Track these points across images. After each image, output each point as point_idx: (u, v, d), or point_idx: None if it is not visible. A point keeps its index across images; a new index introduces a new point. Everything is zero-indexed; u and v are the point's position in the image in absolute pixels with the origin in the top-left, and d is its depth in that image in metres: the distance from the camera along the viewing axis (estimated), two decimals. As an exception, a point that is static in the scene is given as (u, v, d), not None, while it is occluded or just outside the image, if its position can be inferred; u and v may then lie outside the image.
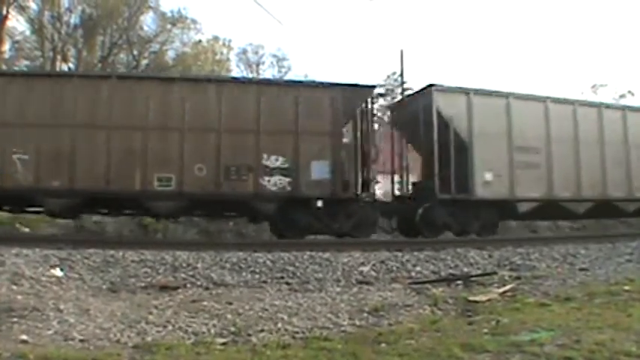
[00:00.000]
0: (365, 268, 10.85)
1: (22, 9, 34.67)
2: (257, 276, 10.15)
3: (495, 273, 10.48)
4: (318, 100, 16.44)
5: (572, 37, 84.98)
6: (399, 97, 20.10)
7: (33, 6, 35.19)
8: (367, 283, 9.78)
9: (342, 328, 6.56)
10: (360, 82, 17.26)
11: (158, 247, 12.29)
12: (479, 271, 10.77)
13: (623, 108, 20.79)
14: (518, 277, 9.95)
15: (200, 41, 42.26)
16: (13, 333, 5.92)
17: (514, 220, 20.49)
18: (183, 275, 9.95)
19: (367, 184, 17.22)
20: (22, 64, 34.24)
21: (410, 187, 19.07)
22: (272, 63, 47.25)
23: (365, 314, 7.30)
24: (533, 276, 10.03)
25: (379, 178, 19.83)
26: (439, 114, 17.43)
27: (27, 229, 17.87)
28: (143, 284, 9.31)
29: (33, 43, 35.75)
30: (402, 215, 18.26)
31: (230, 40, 48.94)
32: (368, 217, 16.94)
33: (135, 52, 37.85)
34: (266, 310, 7.46)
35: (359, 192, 16.82)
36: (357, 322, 6.88)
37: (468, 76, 69.79)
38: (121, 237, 16.51)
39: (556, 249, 13.10)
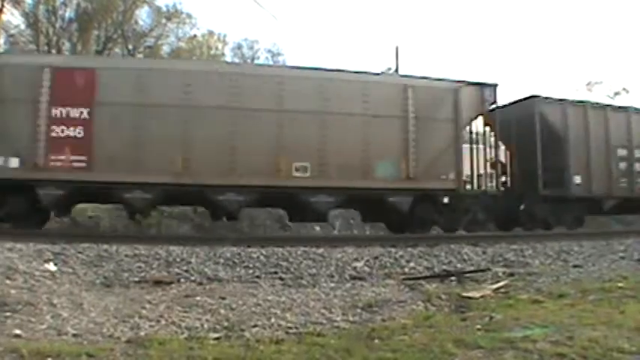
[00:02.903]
0: (358, 264, 10.86)
1: (17, 3, 34.57)
2: (250, 271, 10.14)
3: (489, 269, 10.49)
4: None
5: (568, 34, 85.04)
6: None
7: (28, 0, 35.12)
8: (361, 279, 9.77)
9: (336, 324, 6.55)
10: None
11: (152, 242, 12.29)
12: (472, 268, 10.77)
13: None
14: (511, 274, 9.96)
15: (195, 36, 42.27)
16: (7, 327, 5.91)
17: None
18: (177, 270, 9.93)
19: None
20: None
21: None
22: (267, 58, 47.06)
23: (358, 310, 7.30)
24: (526, 272, 10.05)
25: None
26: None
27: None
28: (137, 279, 9.28)
29: (28, 36, 35.65)
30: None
31: (225, 35, 49.10)
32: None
33: (130, 47, 37.76)
34: (259, 305, 7.46)
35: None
36: (351, 318, 6.88)
37: (464, 72, 69.81)
38: (115, 231, 16.52)
39: (550, 246, 13.11)
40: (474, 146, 19.43)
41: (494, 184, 19.40)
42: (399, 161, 17.02)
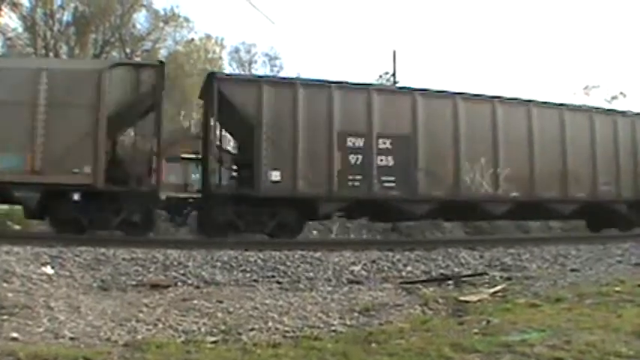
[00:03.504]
0: (356, 268, 10.86)
1: (15, 6, 34.67)
2: (248, 275, 10.14)
3: (486, 273, 10.50)
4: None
5: (566, 39, 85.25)
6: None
7: (26, 3, 35.20)
8: (358, 283, 9.78)
9: (333, 328, 6.56)
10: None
11: (149, 246, 12.28)
12: (470, 272, 10.79)
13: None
14: (508, 278, 9.97)
15: (193, 40, 42.36)
16: (4, 330, 5.91)
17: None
18: (174, 274, 9.93)
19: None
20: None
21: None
22: (264, 62, 47.18)
23: (355, 314, 7.30)
24: (523, 276, 10.06)
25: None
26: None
27: (18, 227, 17.82)
28: (134, 282, 9.29)
29: (25, 40, 35.72)
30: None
31: (222, 39, 49.41)
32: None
33: (127, 50, 37.82)
34: (257, 308, 7.46)
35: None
36: (348, 322, 6.89)
37: (462, 77, 69.87)
38: (112, 235, 16.49)
39: (547, 250, 13.15)
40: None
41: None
42: (26, 153, 14.82)
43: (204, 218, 16.49)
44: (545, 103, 19.24)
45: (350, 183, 16.32)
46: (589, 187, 18.88)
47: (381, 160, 16.63)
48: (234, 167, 17.06)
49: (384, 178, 16.60)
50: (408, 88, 18.08)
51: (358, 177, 16.41)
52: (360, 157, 16.48)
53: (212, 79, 16.48)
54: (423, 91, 17.70)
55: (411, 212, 17.20)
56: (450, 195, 17.27)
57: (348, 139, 16.45)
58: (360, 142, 16.53)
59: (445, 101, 17.72)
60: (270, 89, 16.21)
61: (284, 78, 17.66)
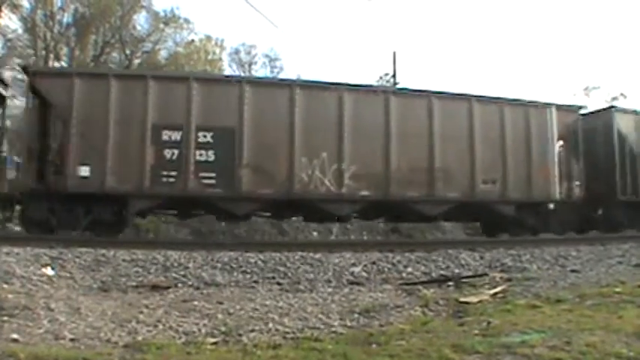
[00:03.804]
0: (356, 269, 10.86)
1: (15, 7, 34.61)
2: (248, 276, 10.14)
3: (486, 274, 10.49)
4: None
5: (566, 40, 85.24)
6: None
7: (26, 4, 35.17)
8: (358, 284, 9.77)
9: (333, 329, 6.56)
10: None
11: (149, 247, 12.29)
12: (470, 273, 10.78)
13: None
14: (509, 279, 9.94)
15: (193, 41, 42.27)
16: (4, 332, 5.90)
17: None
18: (174, 275, 9.93)
19: None
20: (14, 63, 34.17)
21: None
22: (264, 63, 47.08)
23: (356, 315, 7.29)
24: (524, 277, 10.03)
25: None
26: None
27: (18, 228, 17.81)
28: (134, 284, 9.28)
29: (25, 41, 35.65)
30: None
31: (223, 40, 49.02)
32: None
33: (127, 52, 37.80)
34: (257, 310, 7.45)
35: None
36: (348, 323, 6.88)
37: (463, 78, 69.76)
38: (113, 236, 16.51)
39: (547, 251, 13.12)
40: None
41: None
42: None
43: (23, 215, 15.80)
44: (405, 90, 18.12)
45: (164, 179, 15.45)
46: (465, 186, 17.43)
47: (200, 155, 15.67)
48: (54, 163, 15.96)
49: (202, 175, 15.63)
50: (236, 77, 17.30)
51: (173, 173, 15.48)
52: (176, 151, 15.58)
53: (25, 72, 16.22)
54: (252, 81, 16.92)
55: (233, 211, 16.26)
56: (282, 193, 16.13)
57: (164, 132, 15.58)
58: (176, 136, 15.63)
59: (279, 91, 16.70)
60: (81, 82, 15.50)
61: (97, 71, 17.51)
